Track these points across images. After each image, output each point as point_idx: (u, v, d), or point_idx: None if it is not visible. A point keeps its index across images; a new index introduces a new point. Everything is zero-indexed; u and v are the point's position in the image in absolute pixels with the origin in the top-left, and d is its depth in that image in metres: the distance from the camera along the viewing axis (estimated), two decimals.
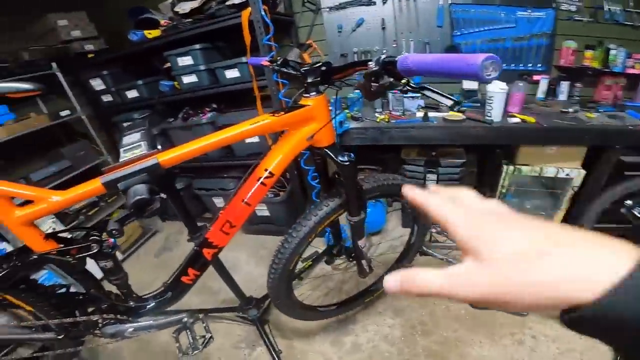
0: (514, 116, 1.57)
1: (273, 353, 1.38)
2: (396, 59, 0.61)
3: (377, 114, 1.79)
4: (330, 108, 0.89)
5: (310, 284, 1.79)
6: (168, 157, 0.72)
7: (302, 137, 0.84)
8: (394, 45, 2.00)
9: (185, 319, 0.94)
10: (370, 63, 0.67)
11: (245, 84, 1.84)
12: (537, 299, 0.21)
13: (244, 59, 1.76)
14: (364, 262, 1.19)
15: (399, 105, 1.83)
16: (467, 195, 0.30)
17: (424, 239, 1.54)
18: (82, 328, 0.90)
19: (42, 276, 1.64)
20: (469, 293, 0.23)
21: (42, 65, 2.02)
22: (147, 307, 0.94)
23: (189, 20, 1.85)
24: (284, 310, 1.23)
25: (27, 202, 0.74)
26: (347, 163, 0.87)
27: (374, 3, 1.93)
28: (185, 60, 1.95)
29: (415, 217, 1.39)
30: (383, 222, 2.14)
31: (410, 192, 0.32)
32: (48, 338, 0.93)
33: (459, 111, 1.68)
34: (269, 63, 1.00)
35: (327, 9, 2.01)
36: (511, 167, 1.68)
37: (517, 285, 0.21)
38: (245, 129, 0.78)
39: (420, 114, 1.72)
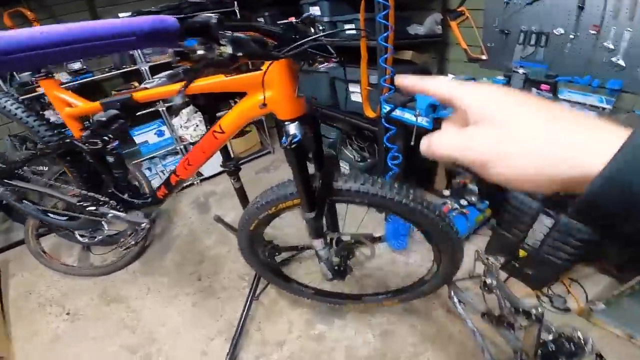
0: None
1: (252, 295, 1.57)
2: None
3: None
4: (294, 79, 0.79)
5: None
6: (140, 94, 0.91)
7: (254, 103, 0.79)
8: (593, 32, 1.37)
9: (145, 225, 1.19)
10: None
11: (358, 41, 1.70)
12: (539, 165, 0.22)
13: (358, 15, 1.62)
14: (322, 265, 1.11)
15: None
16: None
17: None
18: (91, 202, 1.26)
19: None
20: (476, 151, 0.25)
21: (227, 4, 2.48)
22: (134, 203, 1.23)
23: None
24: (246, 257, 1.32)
25: None
26: (286, 145, 0.78)
27: None
28: (314, 10, 1.98)
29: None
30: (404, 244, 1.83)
31: (406, 80, 0.32)
32: (70, 201, 1.34)
33: None
34: None
35: None
36: None
37: (519, 151, 0.23)
38: (203, 84, 0.84)
39: None
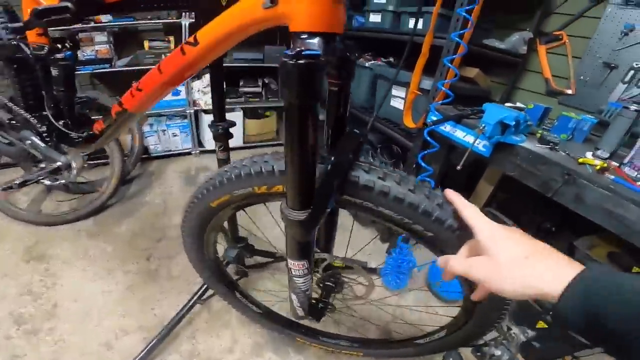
0: None
1: (198, 295, 1.21)
2: None
3: (588, 154, 0.99)
4: None
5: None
6: None
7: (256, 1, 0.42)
8: None
9: (60, 163, 0.95)
10: None
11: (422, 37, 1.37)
12: (515, 288, 0.36)
13: (431, 9, 1.33)
14: (294, 297, 0.72)
15: None
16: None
17: None
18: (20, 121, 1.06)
19: None
20: (477, 274, 0.40)
21: None
22: (69, 135, 0.97)
23: None
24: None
25: None
26: (289, 58, 0.38)
27: None
28: None
29: None
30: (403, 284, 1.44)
31: (455, 197, 0.50)
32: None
33: None
34: None
35: (620, 3, 1.25)
36: None
37: (503, 276, 0.37)
38: None
39: None
